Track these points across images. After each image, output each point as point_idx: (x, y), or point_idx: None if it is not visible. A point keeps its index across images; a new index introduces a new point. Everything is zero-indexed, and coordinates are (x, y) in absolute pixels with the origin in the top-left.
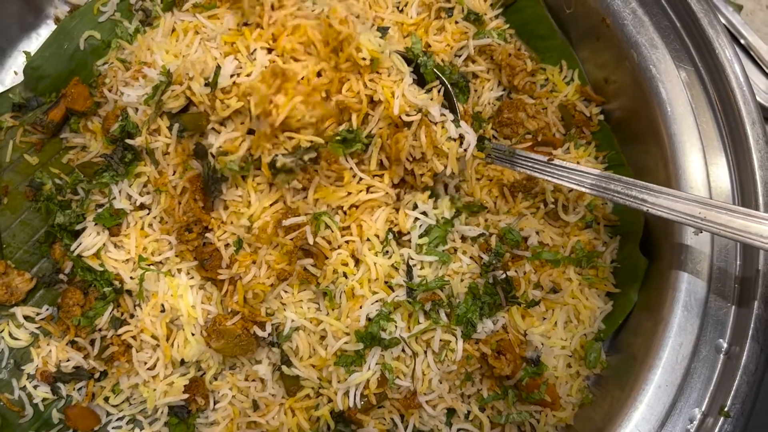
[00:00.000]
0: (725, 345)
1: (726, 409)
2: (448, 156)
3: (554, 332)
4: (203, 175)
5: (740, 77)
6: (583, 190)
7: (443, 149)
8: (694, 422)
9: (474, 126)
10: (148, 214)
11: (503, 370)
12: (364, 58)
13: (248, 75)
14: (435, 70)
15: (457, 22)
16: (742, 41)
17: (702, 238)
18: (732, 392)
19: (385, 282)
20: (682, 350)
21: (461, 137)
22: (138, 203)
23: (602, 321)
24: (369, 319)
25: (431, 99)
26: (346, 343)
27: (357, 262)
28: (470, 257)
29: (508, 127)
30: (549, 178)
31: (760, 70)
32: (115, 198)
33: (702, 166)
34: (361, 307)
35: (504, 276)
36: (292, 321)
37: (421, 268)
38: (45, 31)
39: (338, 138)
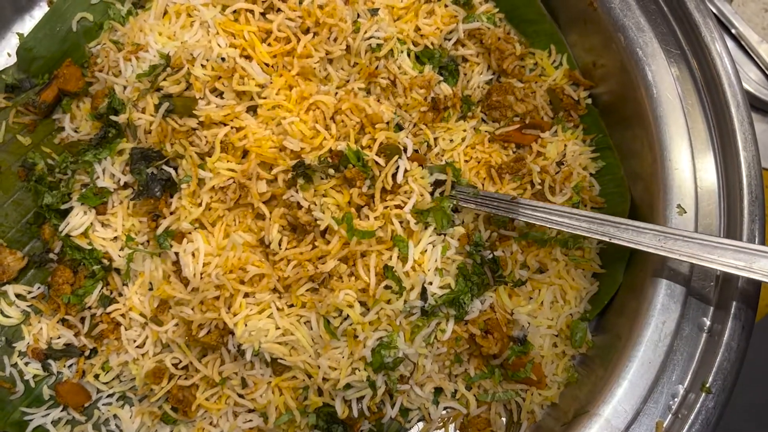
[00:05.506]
0: (708, 323)
1: (708, 385)
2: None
3: (540, 312)
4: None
5: (726, 60)
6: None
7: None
8: (677, 398)
9: (463, 109)
10: (132, 193)
11: (491, 348)
12: None
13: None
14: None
15: (446, 6)
16: (733, 31)
17: (686, 219)
18: (714, 369)
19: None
20: (665, 328)
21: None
22: (122, 182)
23: (588, 302)
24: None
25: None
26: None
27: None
28: (458, 239)
29: (496, 110)
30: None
31: (751, 60)
32: (98, 177)
33: (687, 148)
34: (364, 347)
35: (491, 256)
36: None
37: (429, 283)
38: (38, 12)
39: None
